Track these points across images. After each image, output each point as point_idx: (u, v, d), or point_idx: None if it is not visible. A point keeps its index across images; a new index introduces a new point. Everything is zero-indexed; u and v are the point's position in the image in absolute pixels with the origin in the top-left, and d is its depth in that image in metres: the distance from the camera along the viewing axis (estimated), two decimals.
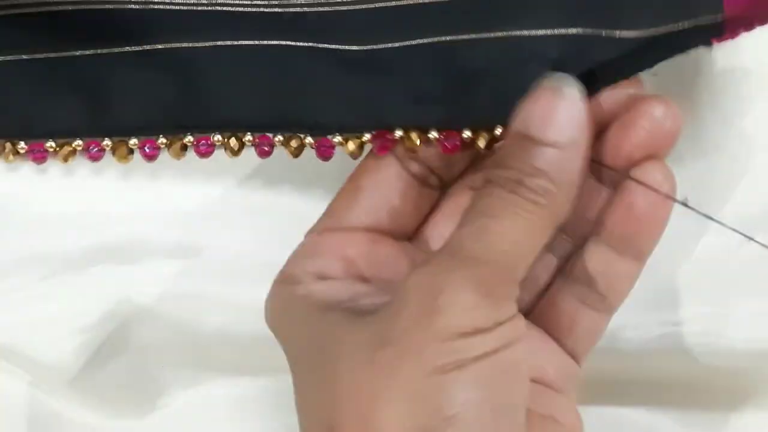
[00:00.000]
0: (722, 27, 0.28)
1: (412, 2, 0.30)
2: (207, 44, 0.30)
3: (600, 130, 0.28)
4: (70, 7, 0.31)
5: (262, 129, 0.30)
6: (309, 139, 0.30)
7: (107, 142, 0.31)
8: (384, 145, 0.30)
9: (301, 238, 0.30)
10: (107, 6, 0.31)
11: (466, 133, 0.29)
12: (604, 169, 0.29)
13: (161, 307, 0.35)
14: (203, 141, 0.31)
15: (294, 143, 0.30)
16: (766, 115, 0.34)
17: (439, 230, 0.31)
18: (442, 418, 0.24)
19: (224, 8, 0.31)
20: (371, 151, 0.30)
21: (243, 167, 0.35)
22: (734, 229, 0.28)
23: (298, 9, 0.31)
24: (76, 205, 0.34)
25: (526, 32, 0.29)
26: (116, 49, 0.31)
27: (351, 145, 0.30)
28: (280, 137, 0.30)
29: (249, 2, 0.31)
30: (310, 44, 0.30)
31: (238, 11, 0.31)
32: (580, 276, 0.29)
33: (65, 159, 0.32)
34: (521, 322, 0.26)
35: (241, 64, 0.30)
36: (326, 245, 0.29)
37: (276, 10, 0.31)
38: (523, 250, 0.26)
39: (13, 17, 0.31)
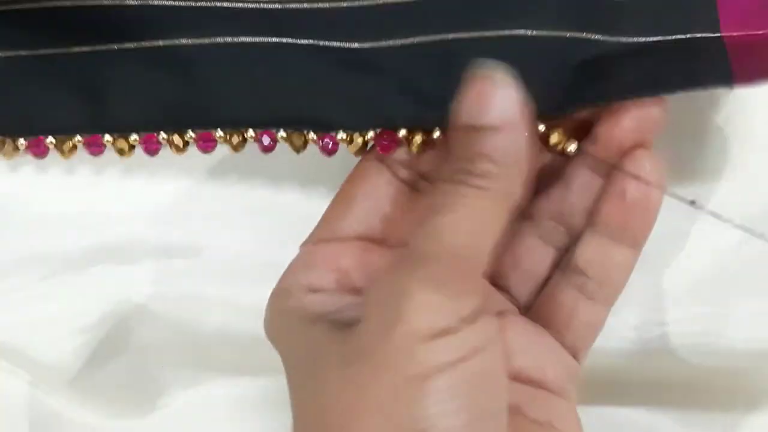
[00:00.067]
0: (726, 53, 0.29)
1: (412, 0, 0.30)
2: (206, 41, 0.30)
3: (590, 122, 0.29)
4: (68, 3, 0.31)
5: (262, 127, 0.30)
6: (312, 135, 0.30)
7: (108, 137, 0.31)
8: (387, 145, 0.30)
9: (301, 238, 0.30)
10: (106, 3, 0.31)
11: None
12: (595, 160, 0.29)
13: (161, 307, 0.35)
14: (205, 137, 0.31)
15: (297, 139, 0.30)
16: (766, 114, 0.34)
17: None
18: (416, 431, 0.24)
19: (223, 5, 0.31)
20: (362, 158, 0.30)
21: (243, 167, 0.35)
22: (744, 227, 0.28)
23: (297, 6, 0.31)
24: (76, 205, 0.34)
25: (525, 32, 0.30)
26: (115, 46, 0.31)
27: (356, 143, 0.30)
28: (283, 133, 0.30)
29: None
30: (311, 42, 0.30)
31: (237, 7, 0.31)
32: (577, 267, 0.30)
33: (66, 154, 0.32)
34: (491, 325, 0.26)
35: (241, 62, 0.30)
36: (320, 256, 0.29)
37: (276, 6, 0.31)
38: (478, 240, 0.26)
39: (11, 13, 0.31)
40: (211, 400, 0.39)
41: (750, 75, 0.28)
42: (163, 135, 0.31)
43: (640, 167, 0.28)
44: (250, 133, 0.30)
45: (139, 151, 0.31)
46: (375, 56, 0.30)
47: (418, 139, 0.29)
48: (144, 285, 0.35)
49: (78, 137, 0.31)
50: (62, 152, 0.31)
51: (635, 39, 0.30)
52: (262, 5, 0.31)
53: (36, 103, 0.31)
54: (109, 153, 0.32)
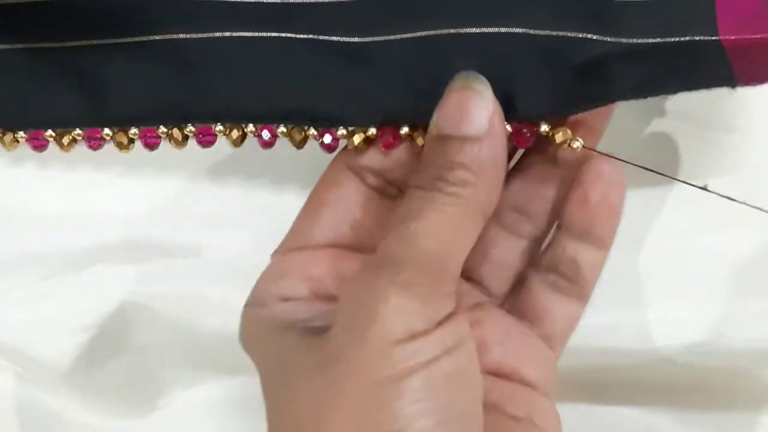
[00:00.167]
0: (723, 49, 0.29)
1: None
2: (204, 35, 0.30)
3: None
4: None
5: (262, 121, 0.30)
6: (312, 131, 0.30)
7: (107, 131, 0.31)
8: (389, 141, 0.30)
9: None
10: None
11: None
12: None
13: (161, 307, 0.35)
14: (204, 131, 0.31)
15: (297, 135, 0.30)
16: (765, 113, 0.34)
17: None
18: (392, 431, 0.24)
19: None
20: (330, 165, 0.30)
21: (244, 167, 0.35)
22: (757, 207, 0.29)
23: (297, 0, 0.31)
24: (76, 205, 0.34)
25: (526, 30, 0.30)
26: (113, 40, 0.31)
27: (356, 139, 0.30)
28: (283, 128, 0.30)
29: None
30: (310, 36, 0.30)
31: (236, 2, 0.31)
32: (548, 265, 0.30)
33: (65, 147, 0.31)
34: (463, 324, 0.26)
35: (240, 56, 0.30)
36: (291, 266, 0.29)
37: (275, 0, 0.31)
38: (449, 246, 0.26)
39: (8, 7, 0.31)
40: (211, 400, 0.39)
41: (749, 78, 0.28)
42: (162, 129, 0.31)
43: (601, 171, 0.29)
44: (250, 128, 0.30)
45: (139, 147, 0.31)
46: (375, 50, 0.30)
47: (420, 140, 0.29)
48: (144, 285, 0.35)
49: (77, 130, 0.31)
50: (61, 145, 0.31)
51: (634, 40, 0.30)
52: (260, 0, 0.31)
53: (35, 96, 0.31)
54: (110, 153, 0.32)
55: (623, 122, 0.31)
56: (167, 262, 0.35)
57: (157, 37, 0.31)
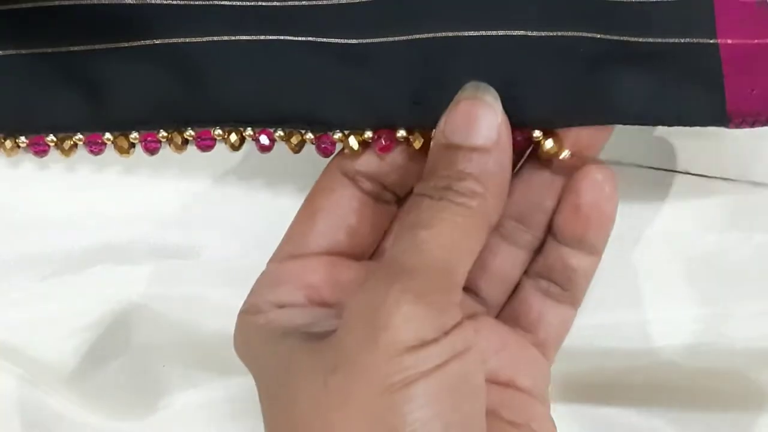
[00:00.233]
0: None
1: None
2: (203, 39, 0.30)
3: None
4: (66, 2, 0.31)
5: (262, 125, 0.30)
6: (309, 135, 0.30)
7: (108, 135, 0.31)
8: (385, 145, 0.30)
9: None
10: (104, 1, 0.31)
11: None
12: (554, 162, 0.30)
13: (161, 307, 0.35)
14: (204, 135, 0.31)
15: (294, 139, 0.30)
16: None
17: None
18: None
19: (221, 3, 0.31)
20: (324, 171, 0.30)
21: (244, 167, 0.35)
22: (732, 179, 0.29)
23: (295, 3, 0.31)
24: (76, 205, 0.34)
25: (525, 32, 0.30)
26: (112, 45, 0.31)
27: (353, 143, 0.30)
28: (280, 132, 0.30)
29: None
30: (309, 39, 0.30)
31: (235, 6, 0.31)
32: (541, 272, 0.30)
33: (66, 152, 0.32)
34: (469, 330, 0.26)
35: (238, 60, 0.30)
36: (287, 274, 0.29)
37: (274, 4, 0.31)
38: (459, 255, 0.26)
39: (8, 12, 0.31)
40: (211, 401, 0.39)
41: (744, 97, 0.29)
42: (162, 133, 0.31)
43: (593, 179, 0.29)
44: (249, 132, 0.31)
45: (139, 151, 0.31)
46: (373, 52, 0.30)
47: (417, 144, 0.29)
48: (144, 285, 0.35)
49: (78, 135, 0.31)
50: (62, 150, 0.32)
51: (635, 39, 0.30)
52: (260, 3, 0.31)
53: (36, 101, 0.31)
54: (110, 154, 0.32)
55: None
56: (167, 262, 0.35)
57: (157, 42, 0.31)
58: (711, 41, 0.29)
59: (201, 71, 0.30)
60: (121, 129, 0.31)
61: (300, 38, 0.30)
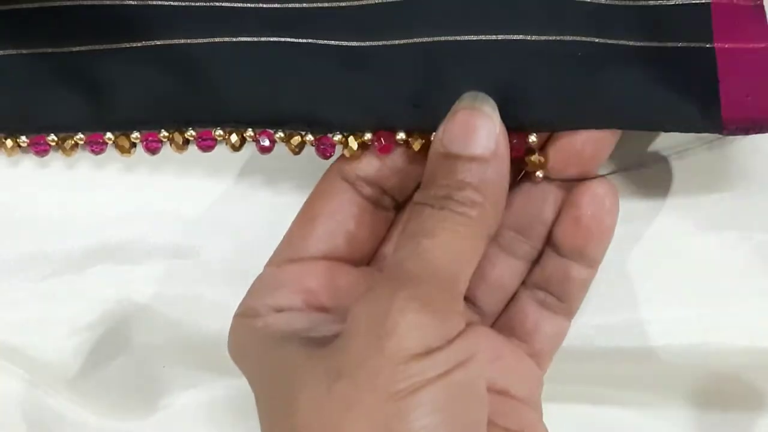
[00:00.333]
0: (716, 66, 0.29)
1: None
2: (205, 41, 0.31)
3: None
4: (68, 3, 0.31)
5: (262, 125, 0.30)
6: (309, 137, 0.30)
7: (109, 135, 0.31)
8: (385, 146, 0.30)
9: None
10: (107, 2, 0.31)
11: None
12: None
13: (161, 307, 0.35)
14: (205, 135, 0.31)
15: (295, 140, 0.30)
16: None
17: None
18: None
19: (223, 4, 0.31)
20: (324, 176, 0.30)
21: (243, 167, 0.35)
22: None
23: (297, 5, 0.31)
24: (76, 205, 0.34)
25: (524, 37, 0.30)
26: (116, 45, 0.31)
27: (352, 145, 0.30)
28: (281, 134, 0.30)
29: None
30: (310, 41, 0.30)
31: (236, 7, 0.31)
32: (538, 283, 0.31)
33: (67, 152, 0.32)
34: (472, 338, 0.26)
35: (240, 61, 0.30)
36: (285, 278, 0.29)
37: (275, 6, 0.31)
38: (460, 264, 0.27)
39: (11, 12, 0.31)
40: (212, 401, 0.39)
41: (739, 103, 0.29)
42: (163, 133, 0.31)
43: (594, 193, 0.29)
44: (249, 132, 0.31)
45: (140, 150, 0.31)
46: (374, 55, 0.30)
47: (416, 145, 0.30)
48: (144, 285, 0.35)
49: (80, 135, 0.31)
50: (63, 150, 0.32)
51: (633, 43, 0.30)
52: (261, 5, 0.31)
53: (38, 101, 0.31)
54: (110, 153, 0.32)
55: None
56: (167, 262, 0.35)
57: (158, 42, 0.31)
58: (707, 45, 0.29)
59: (202, 72, 0.30)
60: (123, 129, 0.31)
61: (301, 40, 0.30)
